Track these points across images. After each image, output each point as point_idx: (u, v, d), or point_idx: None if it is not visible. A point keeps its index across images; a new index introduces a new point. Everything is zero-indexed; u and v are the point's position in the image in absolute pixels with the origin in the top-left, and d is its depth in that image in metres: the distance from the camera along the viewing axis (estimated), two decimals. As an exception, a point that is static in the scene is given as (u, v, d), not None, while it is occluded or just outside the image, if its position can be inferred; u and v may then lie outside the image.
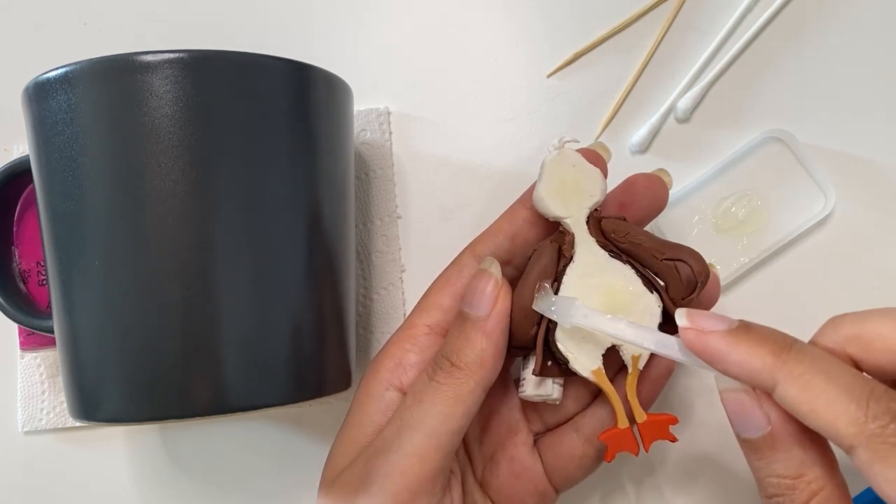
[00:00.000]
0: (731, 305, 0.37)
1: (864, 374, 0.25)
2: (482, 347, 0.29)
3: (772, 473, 0.26)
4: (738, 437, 0.27)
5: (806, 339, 0.26)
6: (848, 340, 0.26)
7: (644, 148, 0.38)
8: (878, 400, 0.23)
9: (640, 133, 0.38)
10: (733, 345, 0.25)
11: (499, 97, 0.40)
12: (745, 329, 0.26)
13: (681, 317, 0.27)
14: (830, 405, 0.23)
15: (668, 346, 0.27)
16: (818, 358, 0.24)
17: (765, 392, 0.25)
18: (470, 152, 0.39)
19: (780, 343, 0.25)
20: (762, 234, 0.37)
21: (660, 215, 0.33)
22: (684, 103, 0.38)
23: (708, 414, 0.37)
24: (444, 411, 0.28)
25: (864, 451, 0.23)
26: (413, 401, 0.29)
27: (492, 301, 0.29)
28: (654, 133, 0.38)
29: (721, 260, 0.37)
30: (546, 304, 0.29)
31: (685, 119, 0.38)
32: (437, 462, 0.28)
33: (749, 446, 0.26)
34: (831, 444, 0.25)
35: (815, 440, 0.25)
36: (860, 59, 0.38)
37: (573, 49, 0.39)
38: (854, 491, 0.26)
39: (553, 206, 0.30)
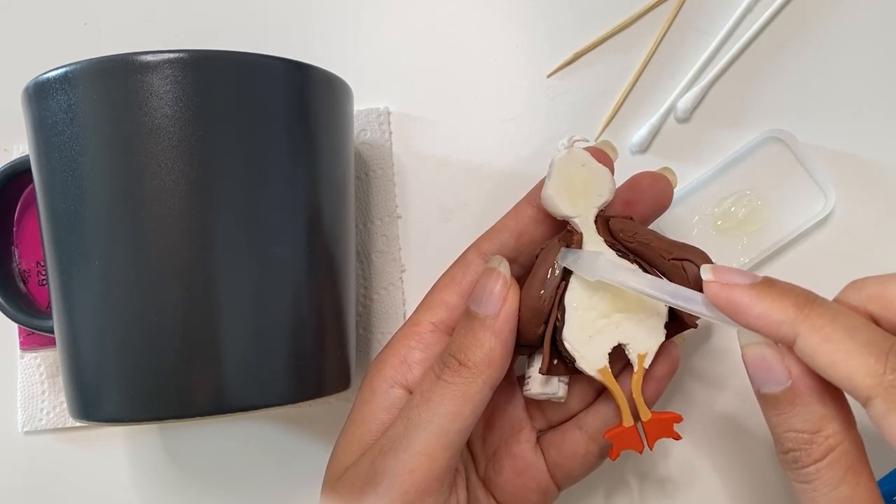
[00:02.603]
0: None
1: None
2: (491, 346, 0.29)
3: (790, 428, 0.26)
4: (757, 393, 0.27)
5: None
6: (870, 300, 0.26)
7: (644, 148, 0.38)
8: None
9: (640, 133, 0.38)
10: (756, 297, 0.26)
11: (499, 97, 0.40)
12: (768, 283, 0.26)
13: (706, 271, 0.27)
14: (850, 357, 0.24)
15: (691, 300, 0.28)
16: (840, 313, 0.25)
17: (786, 346, 0.26)
18: (470, 152, 0.39)
19: (803, 297, 0.25)
20: (762, 234, 0.37)
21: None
22: (684, 103, 0.38)
23: (711, 411, 0.37)
24: (452, 410, 0.28)
25: (881, 402, 0.23)
26: (421, 399, 0.29)
27: (500, 300, 0.29)
28: (654, 133, 0.38)
29: (721, 260, 0.36)
30: (572, 259, 0.29)
31: (685, 119, 0.38)
32: (446, 460, 0.28)
33: (768, 401, 0.26)
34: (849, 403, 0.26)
35: (834, 396, 0.25)
36: (860, 59, 0.38)
37: (573, 49, 0.39)
38: (880, 472, 0.26)
39: (562, 205, 0.30)
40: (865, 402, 0.23)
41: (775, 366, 0.26)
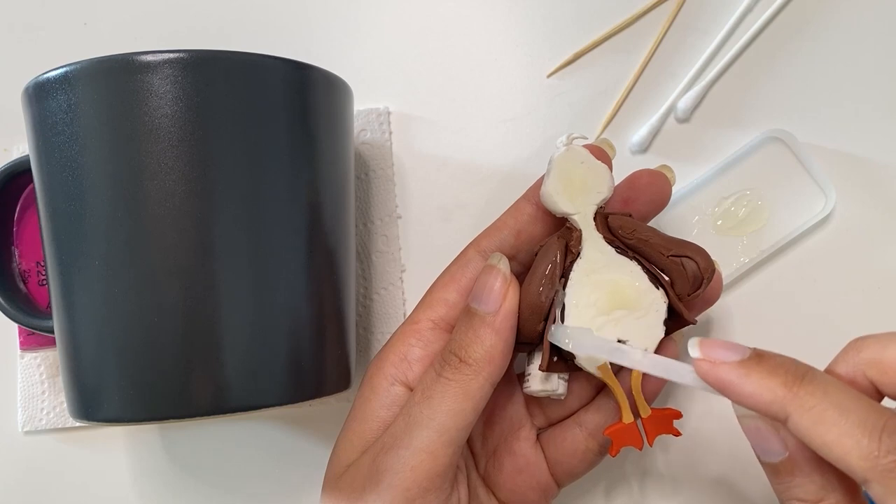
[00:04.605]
0: (732, 305, 0.37)
1: (881, 404, 0.24)
2: (491, 343, 0.29)
3: (792, 497, 0.26)
4: (759, 459, 0.27)
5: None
6: (869, 364, 0.26)
7: (644, 148, 0.38)
8: (891, 434, 0.23)
9: (640, 133, 0.38)
10: (744, 376, 0.25)
11: (499, 97, 0.40)
12: (756, 360, 0.25)
13: (693, 347, 0.26)
14: (842, 438, 0.23)
15: (682, 375, 0.27)
16: (831, 389, 0.24)
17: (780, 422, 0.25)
18: (470, 152, 0.39)
19: (793, 374, 0.25)
20: (762, 234, 0.37)
21: (660, 214, 0.33)
22: (684, 103, 0.38)
23: (710, 408, 0.37)
24: (453, 407, 0.28)
25: (877, 485, 0.22)
26: (421, 397, 0.29)
27: (501, 297, 0.29)
28: (655, 133, 0.38)
29: (721, 260, 0.36)
30: (561, 335, 0.29)
31: (685, 119, 0.39)
32: (447, 458, 0.28)
33: (770, 469, 0.26)
34: None
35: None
36: (860, 59, 0.38)
37: (573, 49, 0.39)
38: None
39: (561, 202, 0.30)
40: (863, 484, 0.23)
41: (770, 439, 0.26)
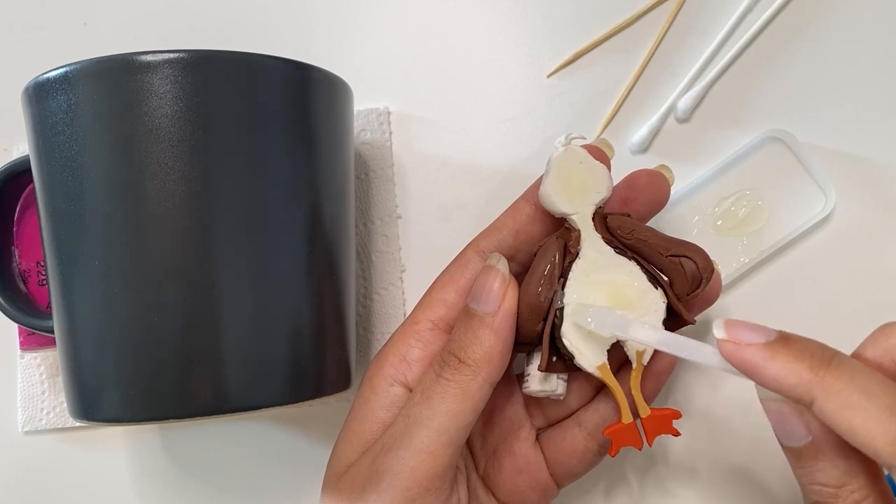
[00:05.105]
0: (731, 305, 0.37)
1: None
2: (490, 344, 0.29)
3: (814, 481, 0.26)
4: (780, 444, 0.27)
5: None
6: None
7: (644, 148, 0.38)
8: None
9: (640, 133, 0.38)
10: (770, 359, 0.25)
11: (499, 97, 0.40)
12: (783, 342, 0.25)
13: (718, 328, 0.26)
14: (868, 423, 0.23)
15: (706, 356, 0.27)
16: (857, 374, 0.24)
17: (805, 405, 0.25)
18: (470, 152, 0.39)
19: (819, 358, 0.25)
20: (762, 233, 0.37)
21: (660, 214, 0.33)
22: (684, 103, 0.38)
23: (710, 407, 0.37)
24: (452, 408, 0.28)
25: None
26: (421, 397, 0.29)
27: (500, 297, 0.29)
28: (655, 133, 0.38)
29: (721, 260, 0.37)
30: (583, 315, 0.29)
31: (685, 119, 0.38)
32: (447, 458, 0.28)
33: (792, 454, 0.26)
34: None
35: (857, 450, 0.25)
36: (860, 58, 0.38)
37: (573, 49, 0.39)
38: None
39: (560, 202, 0.30)
40: (888, 468, 0.23)
41: (793, 423, 0.26)
